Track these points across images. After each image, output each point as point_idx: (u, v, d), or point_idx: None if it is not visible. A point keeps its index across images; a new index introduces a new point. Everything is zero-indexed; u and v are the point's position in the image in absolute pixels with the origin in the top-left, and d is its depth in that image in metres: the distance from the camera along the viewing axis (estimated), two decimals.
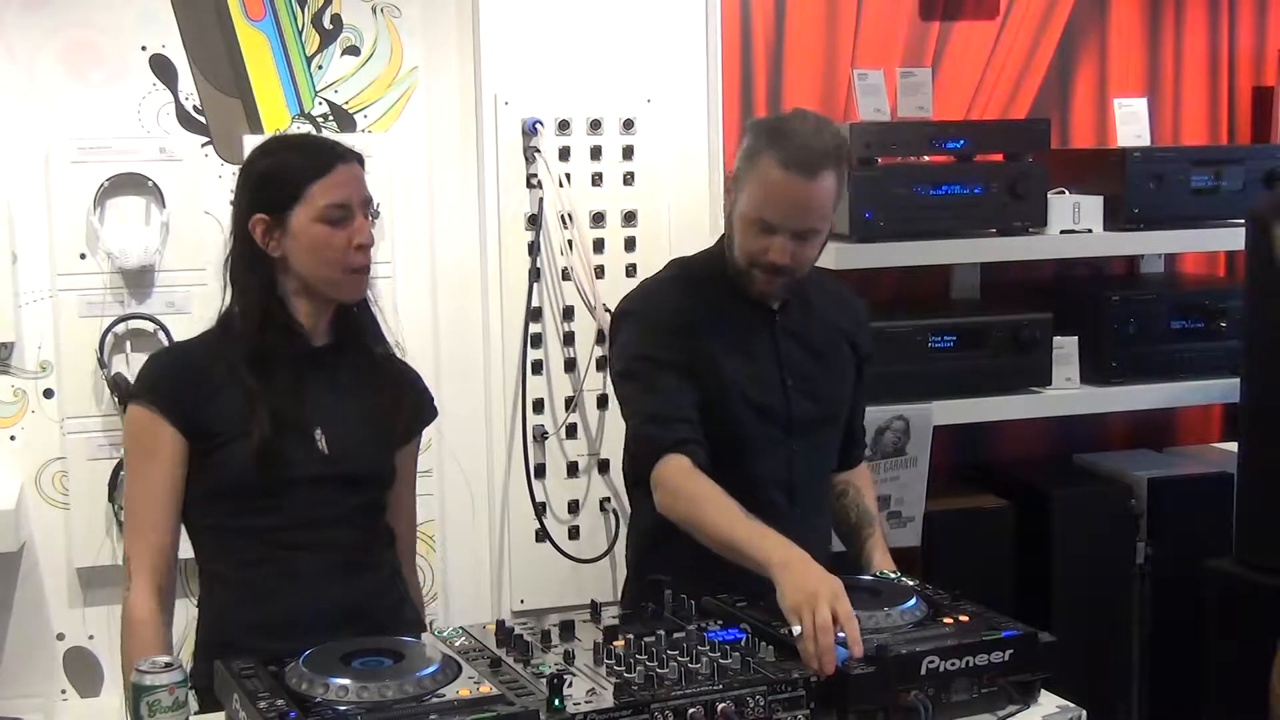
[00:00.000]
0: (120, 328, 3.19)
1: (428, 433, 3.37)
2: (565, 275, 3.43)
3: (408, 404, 2.50)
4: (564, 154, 3.39)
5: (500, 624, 2.16)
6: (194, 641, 2.43)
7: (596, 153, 3.42)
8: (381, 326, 2.48)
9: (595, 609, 2.24)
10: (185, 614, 3.29)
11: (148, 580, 2.30)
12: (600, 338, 3.41)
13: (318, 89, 3.30)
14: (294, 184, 2.31)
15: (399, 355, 2.55)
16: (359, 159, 2.37)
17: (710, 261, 2.62)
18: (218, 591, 2.38)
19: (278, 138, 2.64)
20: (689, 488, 2.37)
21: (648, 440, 2.45)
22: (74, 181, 3.14)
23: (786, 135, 2.44)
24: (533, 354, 3.43)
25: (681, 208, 3.50)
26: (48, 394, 3.19)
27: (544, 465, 3.46)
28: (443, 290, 3.42)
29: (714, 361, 2.51)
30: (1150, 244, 3.69)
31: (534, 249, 3.39)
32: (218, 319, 2.41)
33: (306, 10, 3.28)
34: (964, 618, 2.14)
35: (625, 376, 2.54)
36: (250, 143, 3.24)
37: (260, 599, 2.31)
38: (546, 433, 3.45)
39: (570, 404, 3.45)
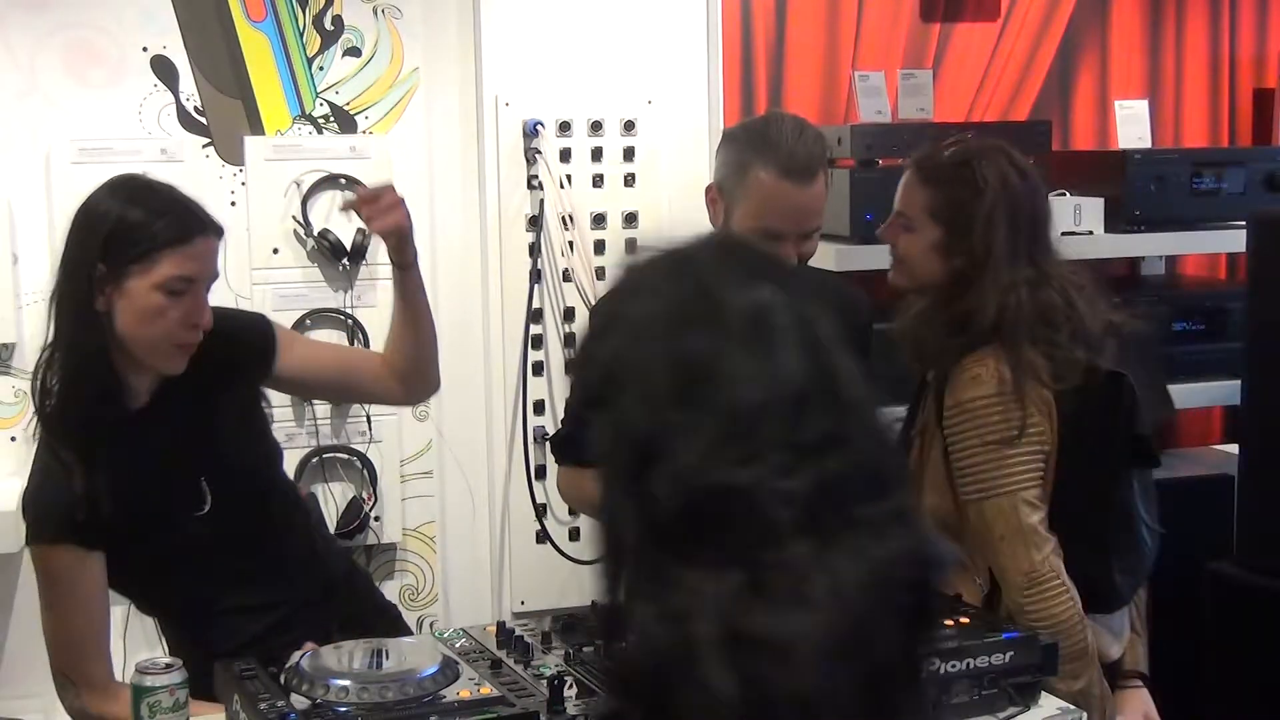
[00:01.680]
0: None
1: (427, 432, 3.40)
2: (566, 277, 3.43)
3: (239, 377, 2.36)
4: (565, 155, 3.39)
5: (501, 625, 2.16)
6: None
7: (597, 154, 3.42)
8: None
9: (596, 610, 2.24)
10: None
11: (98, 676, 2.26)
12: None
13: (319, 90, 3.30)
14: (146, 245, 2.14)
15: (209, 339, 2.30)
16: (219, 232, 2.25)
17: None
18: (168, 628, 2.42)
19: (143, 186, 2.27)
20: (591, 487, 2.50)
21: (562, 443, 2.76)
22: (75, 182, 3.13)
23: (774, 143, 2.45)
24: (533, 355, 3.43)
25: (683, 209, 3.50)
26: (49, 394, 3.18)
27: (544, 467, 3.46)
28: (443, 291, 3.41)
29: None
30: (1151, 246, 3.68)
31: (535, 250, 3.39)
32: (35, 371, 2.24)
33: (307, 11, 3.28)
34: (964, 620, 2.14)
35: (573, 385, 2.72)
36: (251, 144, 3.25)
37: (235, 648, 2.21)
38: (547, 434, 3.44)
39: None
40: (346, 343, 3.25)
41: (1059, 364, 2.33)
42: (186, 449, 2.28)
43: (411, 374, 2.51)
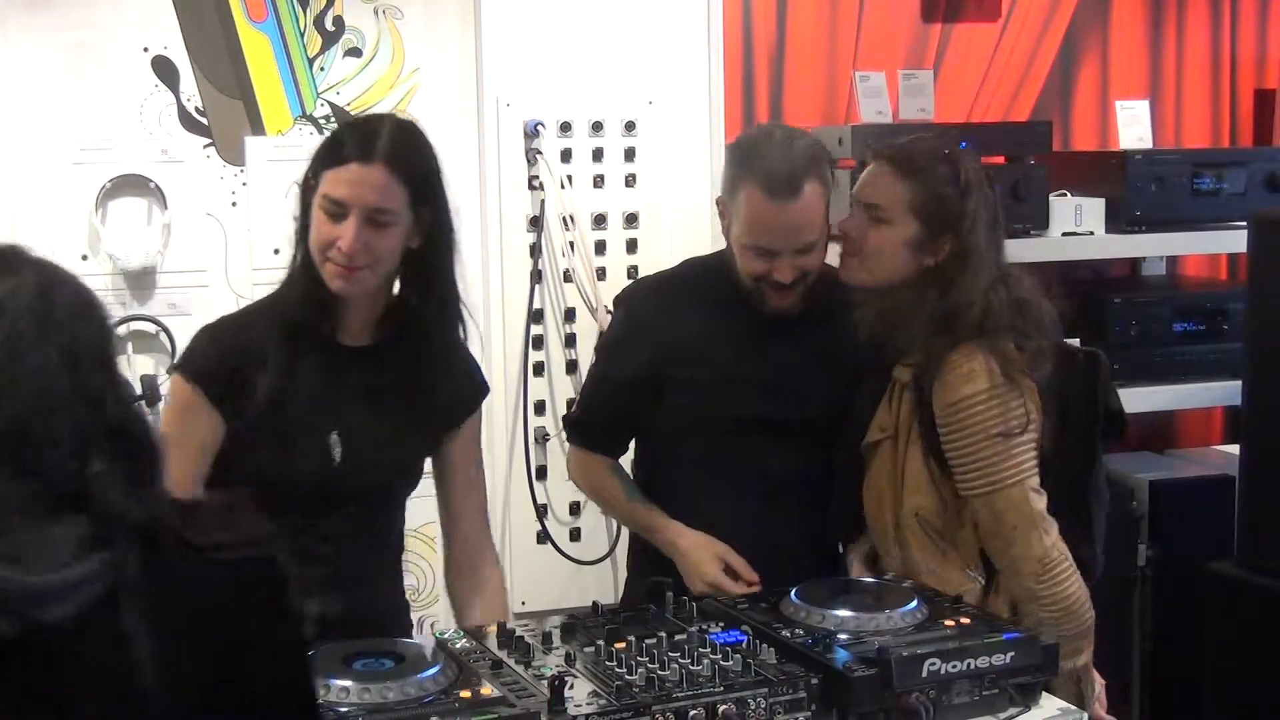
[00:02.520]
0: (122, 329, 3.19)
1: None
2: (567, 277, 3.43)
3: (445, 400, 2.38)
4: (566, 156, 3.39)
5: (501, 626, 2.16)
6: None
7: (598, 154, 3.42)
8: (454, 316, 2.35)
9: (597, 611, 2.24)
10: None
11: None
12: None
13: (319, 90, 3.31)
14: (318, 160, 2.23)
15: (462, 341, 2.41)
16: (390, 161, 2.19)
17: (717, 265, 2.63)
18: None
19: (360, 117, 2.52)
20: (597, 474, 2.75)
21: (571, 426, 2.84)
22: (76, 182, 3.15)
23: (761, 158, 2.44)
24: (534, 356, 3.43)
25: (683, 209, 3.50)
26: None
27: (545, 467, 3.46)
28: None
29: (686, 366, 2.54)
30: (1152, 246, 3.69)
31: (535, 251, 3.39)
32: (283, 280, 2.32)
33: (308, 12, 3.29)
34: (965, 620, 2.14)
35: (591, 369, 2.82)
36: (252, 144, 3.25)
37: None
38: (548, 434, 3.45)
39: (572, 406, 3.45)
40: None
41: (1031, 354, 2.37)
42: (354, 409, 2.29)
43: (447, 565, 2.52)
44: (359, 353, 2.31)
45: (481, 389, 2.51)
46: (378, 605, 2.38)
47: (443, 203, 2.28)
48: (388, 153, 2.19)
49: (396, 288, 2.33)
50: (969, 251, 2.39)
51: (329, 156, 2.21)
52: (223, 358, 2.26)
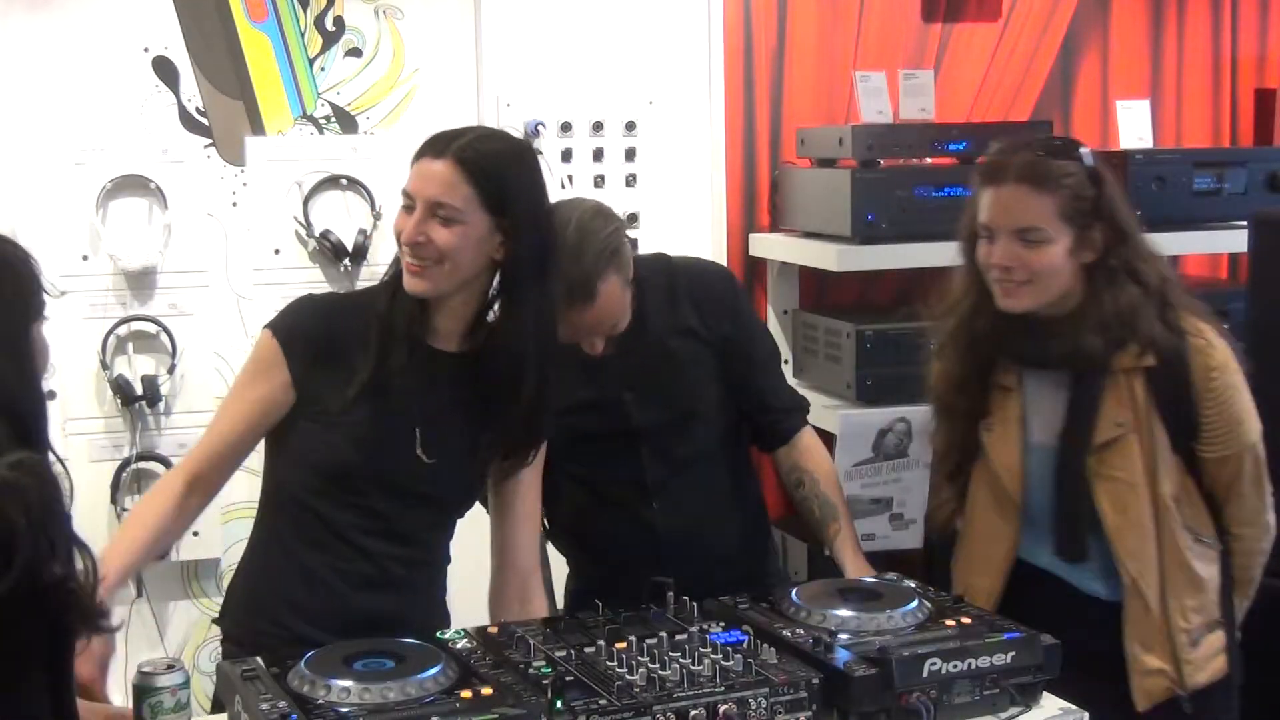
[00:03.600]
0: (123, 329, 3.19)
1: None
2: None
3: (523, 419, 2.32)
4: (566, 155, 3.39)
5: (502, 625, 2.16)
6: (229, 585, 2.44)
7: (599, 154, 3.42)
8: (544, 341, 2.29)
9: (597, 610, 2.24)
10: (188, 616, 3.28)
11: (184, 467, 2.29)
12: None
13: (320, 91, 3.31)
14: (413, 158, 2.25)
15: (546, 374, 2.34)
16: (460, 159, 2.19)
17: None
18: (273, 550, 2.34)
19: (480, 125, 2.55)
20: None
21: None
22: (76, 183, 3.15)
23: (556, 265, 2.36)
24: None
25: (684, 209, 3.50)
26: (50, 395, 3.18)
27: None
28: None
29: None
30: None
31: None
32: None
33: (309, 12, 3.29)
34: (966, 620, 2.14)
35: None
36: (252, 144, 3.25)
37: (306, 583, 2.27)
38: None
39: None
40: None
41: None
42: (438, 412, 2.28)
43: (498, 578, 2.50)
44: (448, 358, 2.30)
45: (546, 421, 2.40)
46: (425, 610, 2.37)
47: (533, 219, 2.25)
48: (461, 152, 2.19)
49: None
50: (1124, 229, 2.35)
51: (416, 153, 2.24)
52: (316, 335, 2.27)
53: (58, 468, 1.68)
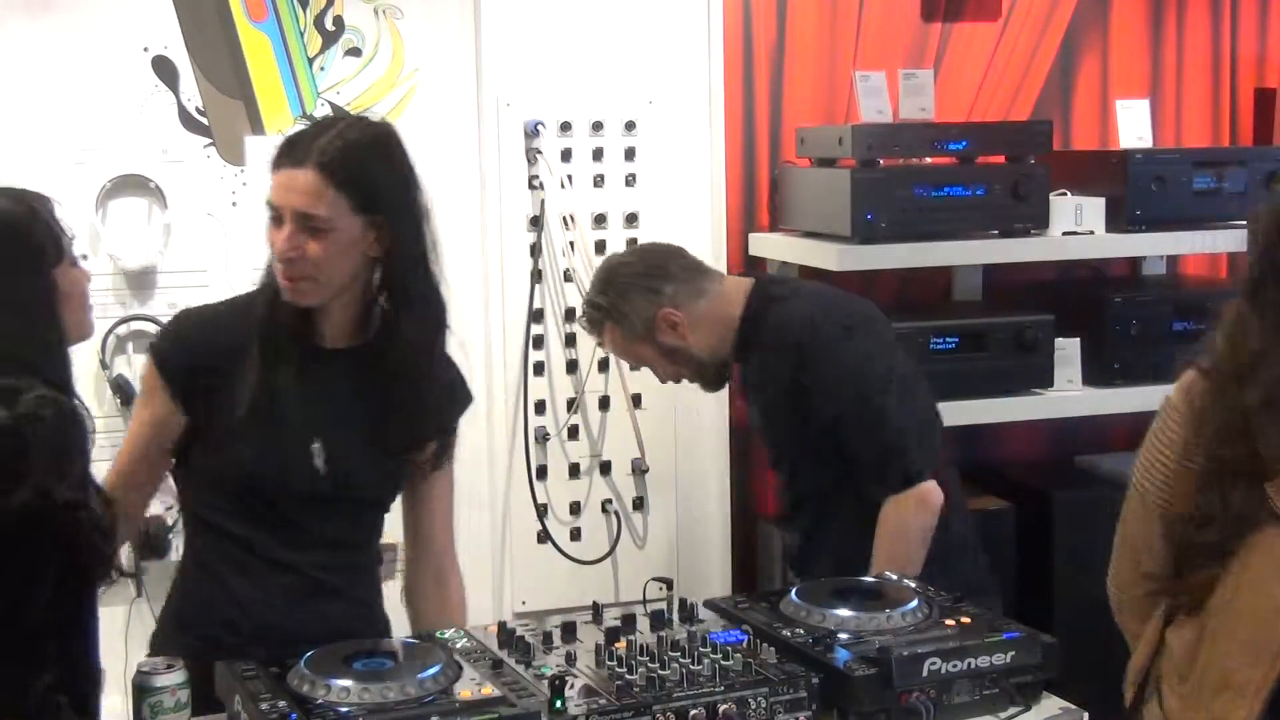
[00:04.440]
0: (122, 329, 3.19)
1: None
2: (567, 277, 3.43)
3: (424, 408, 2.31)
4: (566, 155, 3.39)
5: (502, 625, 2.16)
6: (160, 616, 2.42)
7: (598, 154, 3.42)
8: (435, 324, 2.30)
9: (597, 610, 2.24)
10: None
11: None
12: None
13: (320, 90, 3.31)
14: (272, 162, 2.18)
15: (444, 352, 2.36)
16: (323, 165, 2.12)
17: None
18: (200, 576, 2.31)
19: (318, 118, 2.44)
20: None
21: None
22: (76, 183, 3.15)
23: None
24: (534, 355, 3.43)
25: (683, 209, 3.50)
26: None
27: (545, 467, 3.46)
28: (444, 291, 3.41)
29: None
30: (1152, 245, 3.68)
31: (536, 250, 3.39)
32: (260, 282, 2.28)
33: (308, 11, 3.28)
34: (965, 619, 2.14)
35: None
36: (252, 144, 3.25)
37: (235, 603, 2.24)
38: (548, 434, 3.45)
39: (572, 405, 3.45)
40: None
41: None
42: (336, 414, 2.25)
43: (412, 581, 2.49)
44: (341, 355, 2.26)
45: (461, 403, 2.44)
46: (359, 614, 2.34)
47: (407, 209, 2.21)
48: (323, 158, 2.12)
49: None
50: None
51: (275, 159, 2.17)
52: (195, 353, 2.23)
53: (81, 410, 1.74)
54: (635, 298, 2.82)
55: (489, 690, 1.88)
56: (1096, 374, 3.55)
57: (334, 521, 2.30)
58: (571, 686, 1.90)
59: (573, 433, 3.47)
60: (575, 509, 3.49)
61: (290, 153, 2.15)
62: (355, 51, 3.32)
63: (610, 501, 3.51)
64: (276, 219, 2.16)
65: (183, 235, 3.22)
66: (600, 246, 3.42)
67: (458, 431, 2.44)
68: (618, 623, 2.15)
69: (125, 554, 2.58)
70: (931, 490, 2.64)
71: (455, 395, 2.42)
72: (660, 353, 2.86)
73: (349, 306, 2.25)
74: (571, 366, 3.45)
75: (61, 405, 1.69)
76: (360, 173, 2.15)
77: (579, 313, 3.05)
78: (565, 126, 3.39)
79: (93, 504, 1.72)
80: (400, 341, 2.24)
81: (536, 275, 3.39)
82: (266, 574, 2.25)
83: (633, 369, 3.24)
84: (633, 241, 3.44)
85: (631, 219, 3.45)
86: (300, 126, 2.23)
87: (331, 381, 2.25)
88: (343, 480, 2.26)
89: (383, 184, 2.18)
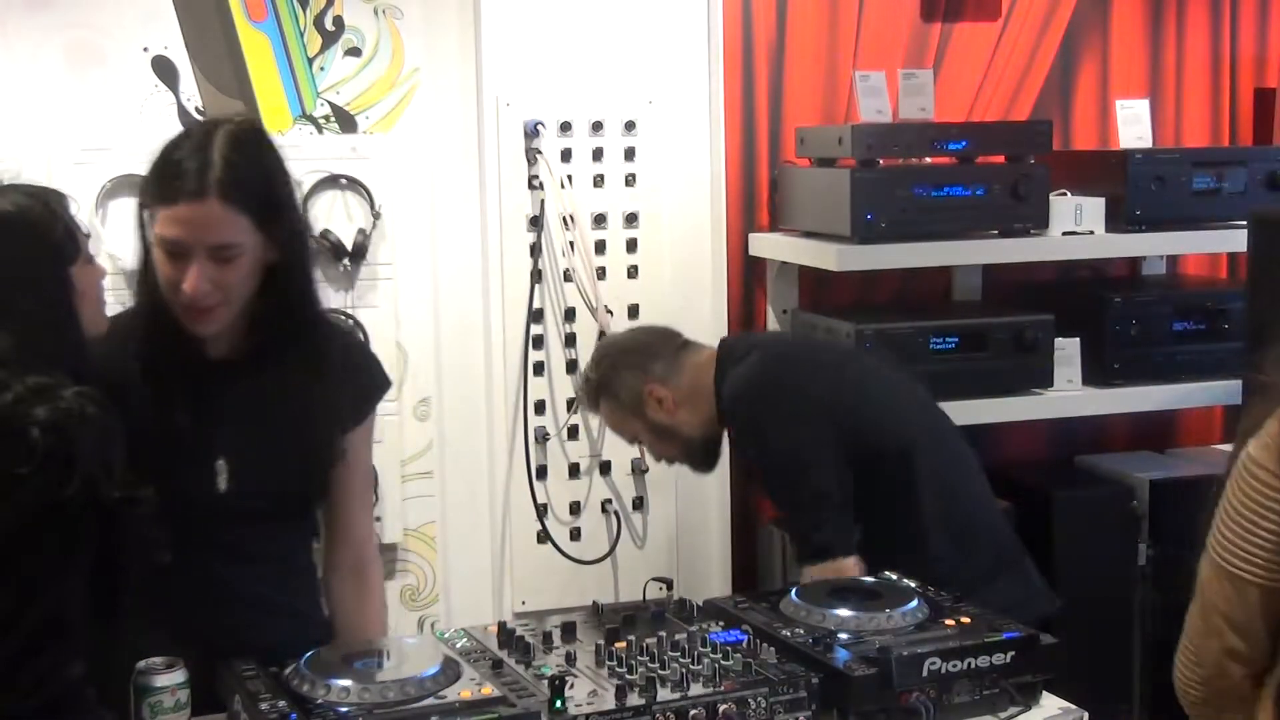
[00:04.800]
0: None
1: (427, 432, 3.40)
2: (567, 277, 3.43)
3: (328, 403, 2.23)
4: (566, 155, 3.39)
5: (502, 625, 2.16)
6: None
7: (598, 154, 3.42)
8: (319, 319, 2.24)
9: (597, 610, 2.24)
10: None
11: None
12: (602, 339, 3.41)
13: (319, 90, 3.30)
14: (153, 194, 2.09)
15: (343, 336, 2.32)
16: (225, 194, 2.04)
17: None
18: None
19: (189, 130, 2.20)
20: None
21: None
22: (76, 183, 3.13)
23: None
24: (534, 355, 3.43)
25: (683, 209, 3.50)
26: None
27: (545, 467, 3.46)
28: (444, 292, 3.42)
29: None
30: (1152, 245, 3.68)
31: (535, 250, 3.39)
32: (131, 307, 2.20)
33: (308, 11, 3.28)
34: (965, 619, 2.14)
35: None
36: None
37: (170, 627, 2.12)
38: (548, 434, 3.45)
39: (572, 405, 3.45)
40: None
41: None
42: (236, 427, 2.18)
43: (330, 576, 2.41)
44: (230, 366, 2.19)
45: (370, 392, 2.36)
46: (294, 627, 2.24)
47: (292, 204, 2.17)
48: (222, 184, 2.04)
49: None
50: None
51: (160, 192, 2.07)
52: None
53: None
54: (624, 373, 2.92)
55: (489, 690, 1.88)
56: (1096, 374, 3.55)
57: (252, 533, 2.23)
58: (571, 686, 1.91)
59: (572, 433, 3.47)
60: (575, 509, 3.49)
61: (181, 185, 2.05)
62: (355, 51, 3.32)
63: (610, 501, 3.51)
64: (178, 254, 2.06)
65: None
66: (600, 246, 3.42)
67: (374, 419, 2.38)
68: (617, 623, 2.15)
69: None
70: (849, 568, 2.58)
71: (361, 386, 2.34)
72: (649, 429, 2.93)
73: (240, 318, 2.18)
74: (571, 366, 3.45)
75: (100, 401, 1.68)
76: (254, 186, 2.09)
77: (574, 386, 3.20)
78: (565, 126, 3.39)
79: (142, 495, 1.72)
80: (294, 341, 2.18)
81: (536, 275, 3.39)
82: (190, 599, 2.16)
83: (630, 444, 3.22)
84: (633, 242, 3.45)
85: (631, 219, 3.45)
86: (164, 148, 2.12)
87: (228, 393, 2.19)
88: (247, 494, 2.20)
89: (272, 189, 2.13)
